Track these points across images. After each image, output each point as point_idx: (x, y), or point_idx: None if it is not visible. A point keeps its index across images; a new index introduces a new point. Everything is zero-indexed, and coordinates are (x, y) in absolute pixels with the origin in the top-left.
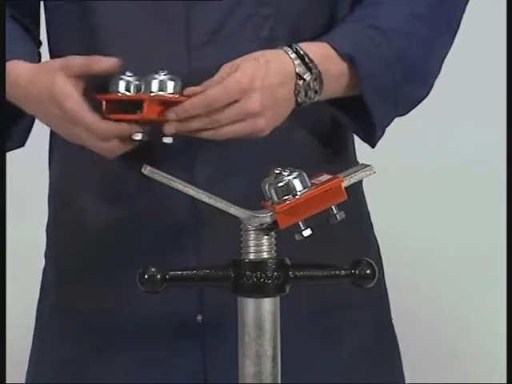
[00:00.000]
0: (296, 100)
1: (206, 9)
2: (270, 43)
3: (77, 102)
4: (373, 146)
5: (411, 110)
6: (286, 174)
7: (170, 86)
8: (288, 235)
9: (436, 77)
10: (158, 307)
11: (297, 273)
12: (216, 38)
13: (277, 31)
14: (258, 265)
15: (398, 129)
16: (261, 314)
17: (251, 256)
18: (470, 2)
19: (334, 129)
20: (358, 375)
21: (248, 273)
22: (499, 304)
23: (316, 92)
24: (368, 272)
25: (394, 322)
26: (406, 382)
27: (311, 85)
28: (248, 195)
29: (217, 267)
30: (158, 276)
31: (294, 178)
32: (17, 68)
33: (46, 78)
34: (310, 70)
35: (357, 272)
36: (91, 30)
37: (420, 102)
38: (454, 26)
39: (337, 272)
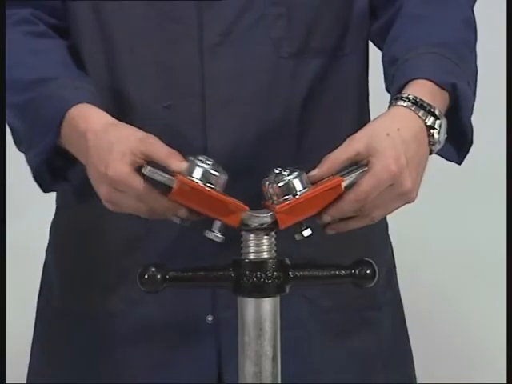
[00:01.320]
0: (431, 150)
1: (217, 10)
2: (282, 43)
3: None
4: (460, 163)
5: None
6: (286, 173)
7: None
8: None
9: None
10: (170, 308)
11: (297, 273)
12: (228, 39)
13: (289, 31)
14: (258, 265)
15: None
16: (261, 314)
17: (251, 256)
18: None
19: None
20: (376, 376)
21: (248, 273)
22: (499, 304)
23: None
24: (368, 272)
25: None
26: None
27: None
28: (249, 196)
29: (217, 267)
30: (158, 276)
31: (294, 177)
32: (91, 115)
33: (115, 134)
34: (434, 115)
35: (357, 272)
36: (105, 30)
37: None
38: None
39: (337, 272)
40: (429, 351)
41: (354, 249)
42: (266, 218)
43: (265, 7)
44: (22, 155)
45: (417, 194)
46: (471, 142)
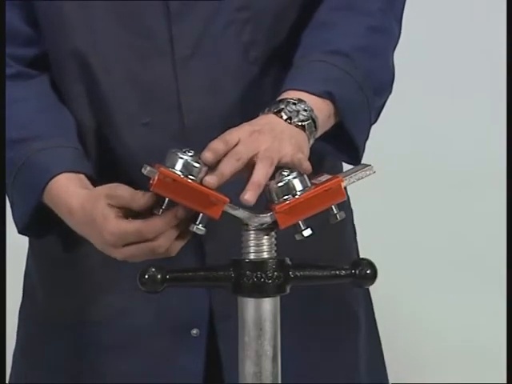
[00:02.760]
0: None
1: (185, 23)
2: (251, 47)
3: (114, 224)
4: (356, 164)
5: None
6: (285, 173)
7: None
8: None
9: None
10: (157, 317)
11: (297, 273)
12: (199, 51)
13: (257, 34)
14: (258, 265)
15: (397, 129)
16: (261, 314)
17: (251, 256)
18: (470, 3)
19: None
20: (361, 375)
21: (248, 273)
22: (499, 303)
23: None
24: (368, 272)
25: (392, 321)
26: (406, 381)
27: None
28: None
29: (217, 267)
30: (159, 276)
31: (294, 177)
32: (69, 196)
33: (90, 205)
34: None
35: (357, 272)
36: (78, 53)
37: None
38: (399, 16)
39: (337, 272)
40: (429, 351)
41: (326, 241)
42: (265, 218)
43: (231, 13)
44: None
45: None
46: (359, 147)
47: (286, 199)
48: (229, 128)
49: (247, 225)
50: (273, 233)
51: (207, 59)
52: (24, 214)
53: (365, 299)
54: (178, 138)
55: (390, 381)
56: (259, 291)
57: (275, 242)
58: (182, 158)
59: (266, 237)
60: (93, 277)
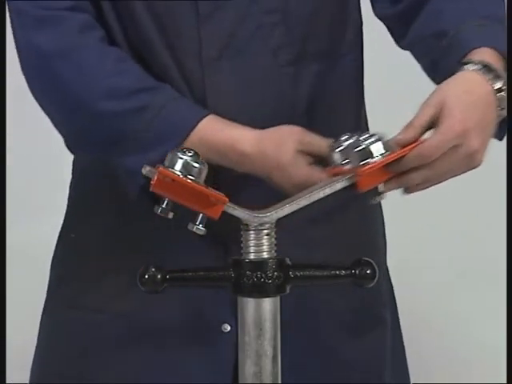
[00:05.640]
0: (500, 114)
1: (214, 24)
2: (280, 51)
3: (306, 172)
4: (501, 139)
5: None
6: (363, 138)
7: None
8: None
9: None
10: (184, 311)
11: (297, 273)
12: (227, 53)
13: (286, 38)
14: (258, 265)
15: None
16: (261, 314)
17: (251, 256)
18: None
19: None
20: (384, 375)
21: (248, 273)
22: (499, 303)
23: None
24: (368, 272)
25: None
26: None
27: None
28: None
29: (217, 267)
30: (159, 276)
31: (373, 142)
32: (235, 139)
33: (273, 149)
34: (501, 79)
35: (357, 272)
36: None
37: None
38: None
39: (337, 272)
40: (429, 351)
41: (356, 248)
42: (265, 217)
43: (260, 17)
44: (21, 156)
45: (482, 158)
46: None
47: (365, 163)
48: (261, 128)
49: (247, 225)
50: (273, 233)
51: (235, 61)
52: (162, 154)
53: (390, 298)
54: None
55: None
56: (259, 291)
57: (275, 242)
58: (181, 158)
59: (266, 237)
60: (120, 267)
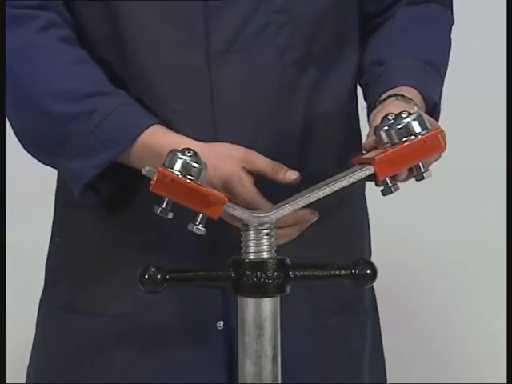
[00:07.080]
0: None
1: (223, 18)
2: (286, 50)
3: (252, 193)
4: None
5: None
6: (404, 116)
7: None
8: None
9: None
10: (180, 311)
11: (297, 273)
12: (234, 47)
13: (293, 39)
14: (258, 265)
15: None
16: (261, 314)
17: (251, 256)
18: (469, 2)
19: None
20: (363, 377)
21: (248, 273)
22: (499, 304)
23: None
24: (368, 272)
25: (393, 322)
26: (405, 381)
27: None
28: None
29: (217, 267)
30: (159, 276)
31: (413, 119)
32: (186, 145)
33: (219, 163)
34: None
35: (357, 272)
36: (118, 35)
37: None
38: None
39: (337, 272)
40: (429, 351)
41: (346, 248)
42: (265, 217)
43: (269, 15)
44: (21, 157)
45: None
46: None
47: (405, 141)
48: (259, 124)
49: (247, 225)
50: (273, 232)
51: (241, 56)
52: (105, 160)
53: (371, 297)
54: (207, 129)
55: (389, 380)
56: (259, 291)
57: (275, 242)
58: (181, 158)
59: (265, 237)
60: (120, 268)
